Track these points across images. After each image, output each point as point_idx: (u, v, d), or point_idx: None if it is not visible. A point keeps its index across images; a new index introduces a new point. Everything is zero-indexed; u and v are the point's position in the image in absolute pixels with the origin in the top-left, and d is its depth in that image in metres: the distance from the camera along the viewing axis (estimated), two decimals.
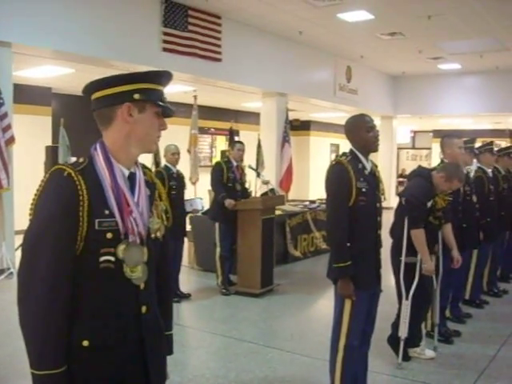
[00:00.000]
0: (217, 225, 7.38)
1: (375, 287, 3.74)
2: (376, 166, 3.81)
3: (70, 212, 1.79)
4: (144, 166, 2.10)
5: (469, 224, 5.48)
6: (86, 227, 1.81)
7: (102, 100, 1.93)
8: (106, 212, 1.85)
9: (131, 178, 1.96)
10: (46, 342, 1.74)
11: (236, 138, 12.22)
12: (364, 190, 3.57)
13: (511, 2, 9.36)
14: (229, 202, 7.08)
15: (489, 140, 8.19)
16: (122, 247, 1.86)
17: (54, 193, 1.82)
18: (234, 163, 7.49)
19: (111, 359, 1.85)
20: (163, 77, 2.01)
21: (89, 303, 1.84)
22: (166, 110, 2.00)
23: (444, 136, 5.37)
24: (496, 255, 6.86)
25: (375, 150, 3.69)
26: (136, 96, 1.91)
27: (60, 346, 1.76)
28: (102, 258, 1.84)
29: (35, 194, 1.85)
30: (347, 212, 3.58)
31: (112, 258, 1.85)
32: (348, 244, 3.57)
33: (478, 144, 6.96)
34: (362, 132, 3.65)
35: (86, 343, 1.80)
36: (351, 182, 3.54)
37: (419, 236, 4.45)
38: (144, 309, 1.93)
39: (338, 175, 3.63)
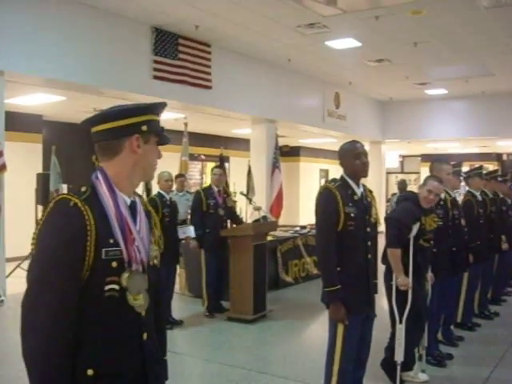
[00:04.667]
0: (202, 252, 7.45)
1: (368, 312, 3.77)
2: (370, 192, 3.87)
3: (77, 243, 1.79)
4: (135, 193, 2.10)
5: (458, 247, 5.53)
6: (93, 257, 1.81)
7: (109, 132, 1.96)
8: (111, 241, 1.86)
9: (132, 207, 1.99)
10: (50, 375, 1.73)
11: (226, 165, 12.31)
12: (352, 214, 3.64)
13: (495, 29, 9.55)
14: (193, 245, 7.28)
15: (476, 163, 8.31)
16: (125, 275, 1.88)
17: (61, 223, 1.81)
18: (215, 189, 7.56)
19: None
20: (162, 108, 2.08)
21: (93, 331, 1.83)
22: (165, 139, 2.06)
23: (433, 161, 5.46)
24: (486, 277, 6.91)
25: (364, 175, 3.77)
26: (144, 128, 1.96)
27: (64, 378, 1.75)
28: (107, 287, 1.85)
29: (39, 224, 1.84)
30: (335, 237, 3.64)
31: (116, 287, 1.86)
32: (338, 268, 3.62)
33: (465, 168, 7.07)
34: (350, 158, 3.74)
35: (90, 372, 1.78)
36: (339, 207, 3.61)
37: (394, 254, 4.48)
38: (145, 335, 1.94)
39: (325, 201, 3.70)
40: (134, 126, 1.95)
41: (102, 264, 1.83)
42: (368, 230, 3.72)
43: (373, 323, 3.85)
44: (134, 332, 1.91)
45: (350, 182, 3.73)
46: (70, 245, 1.78)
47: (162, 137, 2.05)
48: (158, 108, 2.05)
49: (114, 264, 1.86)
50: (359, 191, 3.73)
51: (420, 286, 4.67)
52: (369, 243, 3.73)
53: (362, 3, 8.65)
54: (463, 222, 5.80)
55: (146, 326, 1.96)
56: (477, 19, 9.03)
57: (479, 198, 6.61)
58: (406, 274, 4.49)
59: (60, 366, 1.74)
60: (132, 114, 1.96)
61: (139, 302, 1.91)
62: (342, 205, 3.62)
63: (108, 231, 1.87)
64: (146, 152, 1.98)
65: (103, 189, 1.92)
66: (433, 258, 4.90)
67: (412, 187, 18.49)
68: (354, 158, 3.72)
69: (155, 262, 2.07)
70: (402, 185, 13.42)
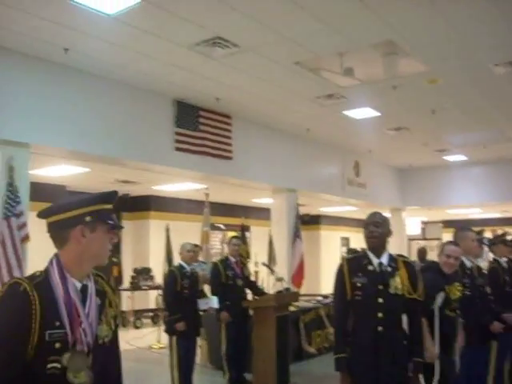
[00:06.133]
0: (222, 324, 7.37)
1: None
2: (405, 263, 3.82)
3: (22, 325, 1.95)
4: (97, 274, 2.28)
5: (485, 316, 5.42)
6: (37, 339, 1.97)
7: (56, 224, 2.16)
8: (57, 323, 2.01)
9: (83, 290, 2.14)
10: None
11: (247, 234, 12.32)
12: (359, 284, 3.69)
13: (510, 96, 9.65)
14: (223, 317, 7.15)
15: (498, 228, 8.24)
16: (66, 356, 2.01)
17: (9, 307, 1.99)
18: (233, 259, 7.54)
19: None
20: (110, 197, 2.25)
21: None
22: (115, 226, 2.22)
23: (457, 229, 5.42)
24: None
25: (370, 245, 3.84)
26: (87, 218, 2.14)
27: None
28: (49, 365, 1.98)
29: None
30: (343, 306, 3.77)
31: (58, 365, 1.99)
32: (349, 338, 3.62)
33: (487, 234, 7.00)
34: (364, 229, 3.85)
35: None
36: (345, 277, 3.74)
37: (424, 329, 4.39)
38: None
39: (336, 272, 3.87)
40: (76, 218, 2.12)
41: (45, 345, 1.98)
42: (380, 300, 3.67)
43: None
44: None
45: (369, 251, 3.76)
46: (14, 328, 1.95)
47: (112, 224, 2.20)
48: (103, 198, 2.22)
49: (58, 345, 2.00)
50: (376, 261, 3.73)
51: (448, 357, 4.56)
52: (379, 314, 3.66)
53: (378, 74, 8.81)
54: (488, 289, 5.71)
55: None
56: (492, 86, 9.14)
57: (505, 265, 6.52)
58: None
59: None
60: (74, 207, 2.14)
61: (79, 379, 2.01)
62: (348, 275, 3.74)
63: (55, 314, 2.02)
64: (92, 240, 2.14)
65: (55, 274, 2.09)
66: (460, 327, 4.80)
67: (433, 254, 18.24)
68: (364, 229, 3.79)
69: (105, 340, 2.18)
70: (422, 253, 13.04)
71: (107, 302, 2.26)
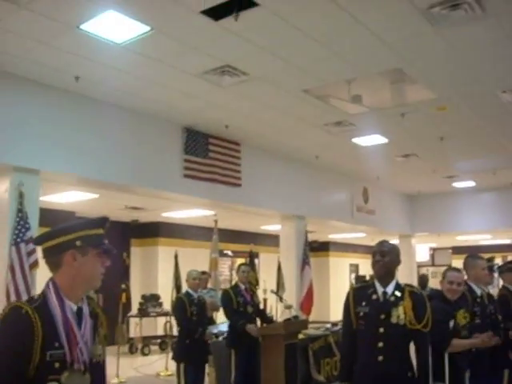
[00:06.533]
0: (232, 351, 7.31)
1: None
2: (411, 293, 3.79)
3: (26, 347, 2.07)
4: (88, 297, 2.41)
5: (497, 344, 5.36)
6: (38, 359, 2.09)
7: (50, 249, 2.28)
8: (56, 344, 2.14)
9: (79, 313, 2.27)
10: None
11: (255, 261, 12.30)
12: (362, 313, 3.72)
13: None
14: (252, 329, 7.04)
15: (509, 254, 8.17)
16: (65, 374, 2.13)
17: (13, 329, 2.10)
18: (242, 286, 7.52)
19: None
20: (100, 222, 2.38)
21: None
22: (107, 250, 2.35)
23: (467, 256, 5.39)
24: None
25: (376, 273, 3.85)
26: (78, 243, 2.26)
27: None
28: None
29: None
30: (349, 334, 3.82)
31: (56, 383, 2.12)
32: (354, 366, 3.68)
33: (498, 259, 6.95)
34: (371, 258, 3.89)
35: None
36: (350, 306, 3.79)
37: (457, 344, 4.35)
38: None
39: (344, 301, 3.92)
40: (68, 243, 2.25)
41: (45, 365, 2.10)
42: (381, 330, 3.64)
43: None
44: None
45: (376, 280, 3.78)
46: (18, 349, 2.06)
47: (103, 248, 2.33)
48: (93, 224, 2.36)
49: (57, 364, 2.12)
50: (381, 290, 3.73)
51: None
52: (380, 344, 3.63)
53: (387, 101, 8.86)
54: (500, 317, 5.66)
55: None
56: (500, 113, 9.16)
57: None
58: (442, 377, 4.34)
59: None
60: (65, 233, 2.27)
61: None
62: (353, 304, 3.78)
63: (54, 336, 2.15)
64: (83, 264, 2.27)
65: (52, 298, 2.22)
66: (471, 357, 4.74)
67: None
68: (372, 258, 3.83)
69: (98, 359, 2.31)
70: (423, 280, 12.74)
71: (99, 322, 2.39)
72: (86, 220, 2.37)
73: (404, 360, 3.68)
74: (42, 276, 7.45)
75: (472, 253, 5.54)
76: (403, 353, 3.69)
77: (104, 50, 6.56)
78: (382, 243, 3.90)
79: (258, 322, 7.78)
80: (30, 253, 7.41)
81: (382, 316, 3.66)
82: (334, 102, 8.67)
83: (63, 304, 2.21)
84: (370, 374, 3.61)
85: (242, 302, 7.38)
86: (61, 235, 2.26)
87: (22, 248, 7.09)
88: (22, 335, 2.07)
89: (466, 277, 5.22)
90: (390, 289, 3.75)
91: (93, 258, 2.30)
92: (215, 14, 5.67)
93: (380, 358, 3.60)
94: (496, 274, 6.73)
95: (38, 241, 2.33)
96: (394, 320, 3.66)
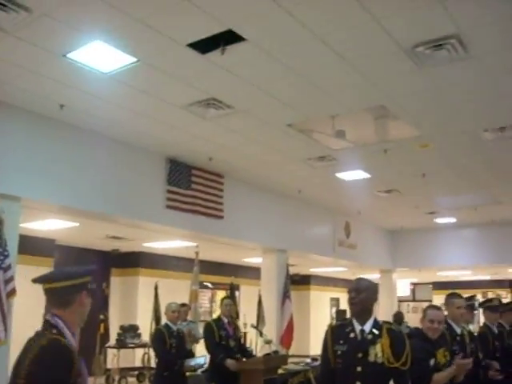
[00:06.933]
0: None
1: None
2: (389, 330, 3.75)
3: (67, 377, 2.31)
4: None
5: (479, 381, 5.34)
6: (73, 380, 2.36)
7: (65, 288, 2.52)
8: (79, 373, 2.42)
9: None
10: None
11: (236, 293, 12.21)
12: (339, 352, 3.69)
13: (500, 160, 9.79)
14: (231, 363, 6.96)
15: (489, 291, 8.21)
16: None
17: (59, 360, 2.31)
18: (225, 320, 7.45)
19: None
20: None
21: None
22: (92, 290, 2.70)
23: (447, 295, 5.40)
24: None
25: (351, 312, 3.84)
26: (89, 285, 2.60)
27: None
28: None
29: (33, 361, 2.32)
30: (327, 373, 3.79)
31: None
32: None
33: (479, 296, 6.96)
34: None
35: None
36: (328, 344, 3.77)
37: (437, 378, 4.31)
38: None
39: (323, 340, 3.88)
40: (84, 284, 2.57)
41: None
42: (358, 369, 3.59)
43: None
44: None
45: (353, 319, 3.76)
46: (66, 376, 2.30)
47: (92, 289, 2.69)
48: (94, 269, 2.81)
49: None
50: (358, 328, 3.70)
51: None
52: (358, 383, 3.60)
53: (370, 138, 8.93)
54: (481, 355, 5.65)
55: None
56: (482, 151, 9.28)
57: (495, 330, 6.46)
58: None
59: None
60: (81, 275, 2.57)
61: None
62: (331, 343, 3.75)
63: (79, 366, 2.41)
64: (87, 304, 2.59)
65: (67, 332, 2.47)
66: None
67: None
68: (348, 294, 3.86)
69: None
70: (398, 317, 12.50)
71: None
72: (92, 266, 2.78)
73: None
74: (20, 302, 7.35)
75: (452, 291, 5.54)
76: None
77: (90, 80, 6.56)
78: (359, 281, 3.88)
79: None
80: (8, 280, 7.27)
81: (360, 355, 3.61)
82: (318, 136, 8.73)
83: (75, 338, 2.50)
84: None
85: (224, 336, 7.29)
86: (78, 277, 2.55)
87: (0, 275, 6.96)
88: (67, 364, 2.32)
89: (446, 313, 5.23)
90: (367, 327, 3.71)
91: (89, 299, 2.61)
92: (202, 47, 5.72)
93: None
94: (476, 312, 6.74)
95: (50, 280, 2.54)
96: (371, 358, 3.60)
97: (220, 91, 6.93)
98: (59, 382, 2.30)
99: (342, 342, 3.65)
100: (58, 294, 2.50)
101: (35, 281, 2.53)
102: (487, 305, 6.66)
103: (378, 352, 3.63)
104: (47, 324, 2.49)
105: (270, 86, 6.77)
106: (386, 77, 6.52)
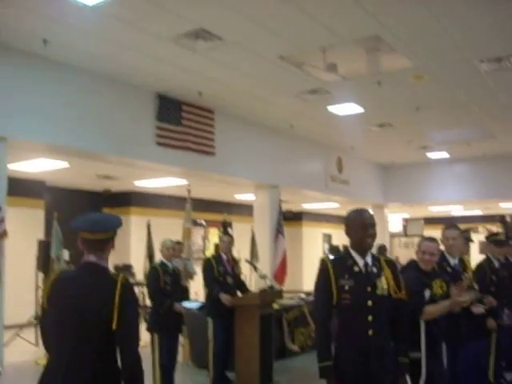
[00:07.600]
0: (210, 320, 7.24)
1: None
2: (387, 261, 3.70)
3: None
4: None
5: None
6: None
7: (108, 238, 3.02)
8: None
9: None
10: None
11: (229, 230, 12.20)
12: (347, 287, 3.51)
13: (495, 93, 9.63)
14: (225, 298, 6.98)
15: (480, 225, 8.23)
16: None
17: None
18: (224, 256, 7.46)
19: None
20: None
21: None
22: None
23: (443, 227, 5.37)
24: (501, 346, 6.67)
25: (369, 248, 3.64)
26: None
27: None
28: None
29: (128, 300, 2.89)
30: (327, 310, 3.56)
31: None
32: (336, 343, 3.51)
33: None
34: (357, 229, 3.62)
35: None
36: (330, 280, 3.52)
37: (431, 310, 4.31)
38: None
39: (319, 274, 3.65)
40: (116, 232, 3.08)
41: None
42: (369, 303, 3.51)
43: None
44: None
45: (353, 252, 3.61)
46: None
47: None
48: None
49: None
50: (361, 262, 3.59)
51: (437, 359, 4.46)
52: (369, 318, 3.51)
53: (362, 70, 8.74)
54: (476, 286, 5.65)
55: None
56: (477, 83, 9.10)
57: (496, 264, 6.44)
58: (418, 347, 4.29)
59: None
60: (118, 226, 3.09)
61: None
62: (334, 278, 3.53)
63: None
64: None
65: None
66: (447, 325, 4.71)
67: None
68: (361, 230, 3.59)
69: None
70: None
71: None
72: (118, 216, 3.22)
73: (388, 332, 3.60)
74: (11, 244, 7.27)
75: (450, 223, 5.51)
76: (387, 324, 3.60)
77: (74, 12, 6.30)
78: (370, 215, 3.73)
79: (239, 293, 7.69)
80: None
81: (369, 288, 3.53)
82: (310, 69, 8.51)
83: None
84: (359, 348, 3.49)
85: (222, 272, 7.32)
86: (116, 227, 3.07)
87: None
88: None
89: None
90: (369, 260, 3.63)
91: None
92: None
93: (370, 331, 3.48)
94: (472, 244, 6.77)
95: (118, 225, 3.09)
96: (379, 291, 3.54)
97: (209, 21, 6.69)
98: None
99: (347, 276, 3.53)
100: (99, 243, 2.97)
101: (117, 226, 3.06)
102: (493, 238, 6.65)
103: (384, 284, 3.57)
104: (96, 266, 2.95)
105: (261, 15, 6.54)
106: (382, 5, 6.29)
